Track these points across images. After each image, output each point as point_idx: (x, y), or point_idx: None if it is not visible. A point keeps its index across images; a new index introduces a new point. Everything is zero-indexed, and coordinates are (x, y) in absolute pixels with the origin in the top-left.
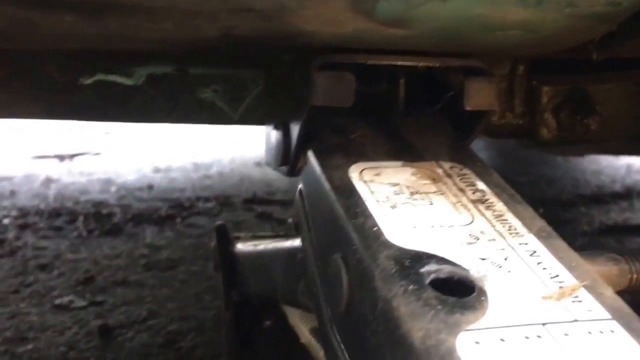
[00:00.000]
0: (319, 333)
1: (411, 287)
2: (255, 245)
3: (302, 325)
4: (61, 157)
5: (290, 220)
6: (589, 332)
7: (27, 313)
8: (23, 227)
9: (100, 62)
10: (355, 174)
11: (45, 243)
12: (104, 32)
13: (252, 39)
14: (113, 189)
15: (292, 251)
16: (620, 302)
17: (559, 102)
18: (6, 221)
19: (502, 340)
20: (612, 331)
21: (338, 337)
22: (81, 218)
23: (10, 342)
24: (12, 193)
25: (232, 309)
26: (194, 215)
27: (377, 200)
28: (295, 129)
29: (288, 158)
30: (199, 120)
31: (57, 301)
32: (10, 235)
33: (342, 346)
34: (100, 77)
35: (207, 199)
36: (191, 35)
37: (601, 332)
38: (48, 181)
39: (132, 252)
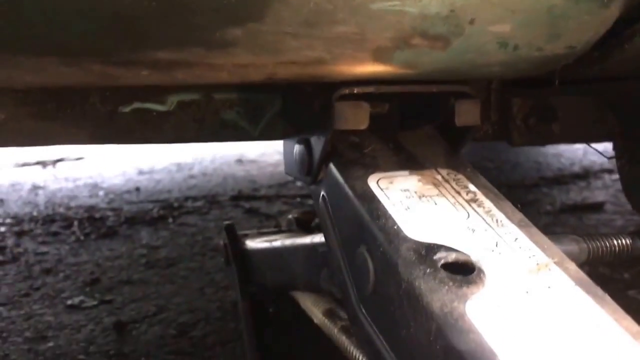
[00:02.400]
0: (348, 311)
1: (428, 270)
2: (269, 240)
3: (314, 309)
4: (44, 164)
5: (289, 216)
6: (559, 296)
7: (42, 314)
8: (20, 234)
9: (137, 92)
10: (373, 183)
11: (45, 248)
12: (166, 79)
13: (289, 80)
14: (101, 193)
15: (312, 246)
16: (581, 274)
17: (527, 111)
18: (2, 228)
19: (497, 304)
20: (576, 294)
21: (366, 314)
22: (76, 223)
23: (31, 341)
24: (2, 201)
25: (248, 298)
26: (184, 215)
27: (393, 204)
28: (316, 145)
29: (311, 170)
30: (223, 138)
31: (69, 302)
32: (10, 242)
33: (370, 321)
34: (137, 105)
35: (195, 199)
36: (240, 80)
37: (568, 295)
38: (35, 188)
39: (131, 252)
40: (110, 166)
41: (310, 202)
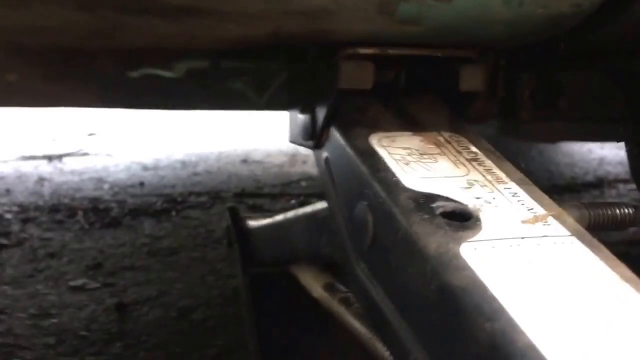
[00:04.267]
0: (346, 271)
1: (425, 216)
2: (272, 217)
3: (314, 282)
4: (50, 158)
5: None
6: (554, 243)
7: (45, 294)
8: (25, 221)
9: (145, 57)
10: (374, 141)
11: (50, 235)
12: (177, 33)
13: (295, 37)
14: (106, 186)
15: (313, 213)
16: (578, 226)
17: (534, 87)
18: (8, 216)
19: (493, 247)
20: (571, 243)
21: (364, 268)
22: (80, 212)
23: (36, 317)
24: (8, 191)
25: (248, 277)
26: (187, 209)
27: (394, 159)
28: (320, 110)
29: (314, 134)
30: (230, 107)
31: (72, 283)
32: (15, 228)
33: (368, 274)
34: (145, 70)
35: (198, 194)
36: (247, 33)
37: (563, 243)
38: (41, 180)
39: (134, 241)
40: (115, 162)
41: (316, 200)
